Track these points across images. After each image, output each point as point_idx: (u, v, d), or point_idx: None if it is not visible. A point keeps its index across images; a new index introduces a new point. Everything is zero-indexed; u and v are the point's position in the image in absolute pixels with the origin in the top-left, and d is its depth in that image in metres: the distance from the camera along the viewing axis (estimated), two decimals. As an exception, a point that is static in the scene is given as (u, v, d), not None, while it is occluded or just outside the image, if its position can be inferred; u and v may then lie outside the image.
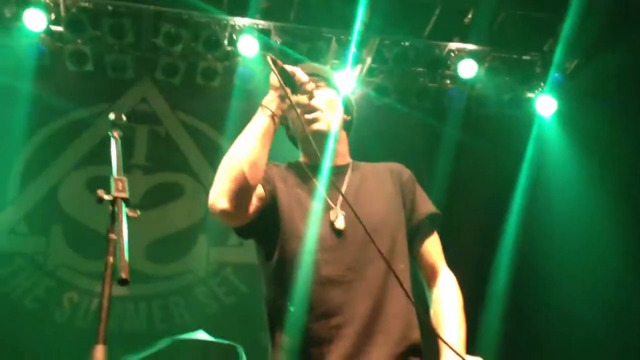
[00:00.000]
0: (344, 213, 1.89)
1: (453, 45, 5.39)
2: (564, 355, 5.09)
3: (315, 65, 2.24)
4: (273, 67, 1.85)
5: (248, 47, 5.10)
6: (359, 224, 1.80)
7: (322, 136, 1.97)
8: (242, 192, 1.77)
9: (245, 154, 1.80)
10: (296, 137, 2.08)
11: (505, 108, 5.60)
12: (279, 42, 5.19)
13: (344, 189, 1.96)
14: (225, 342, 4.30)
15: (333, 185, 1.93)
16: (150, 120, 5.56)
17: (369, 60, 5.38)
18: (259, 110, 1.87)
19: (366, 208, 1.90)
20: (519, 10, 5.28)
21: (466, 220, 5.28)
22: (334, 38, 5.19)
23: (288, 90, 1.86)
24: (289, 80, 1.87)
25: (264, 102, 1.88)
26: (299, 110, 1.92)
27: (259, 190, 1.87)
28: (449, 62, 5.41)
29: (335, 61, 5.25)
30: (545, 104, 5.51)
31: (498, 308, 5.29)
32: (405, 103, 5.53)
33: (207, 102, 5.55)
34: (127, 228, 1.43)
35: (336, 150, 2.02)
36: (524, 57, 5.47)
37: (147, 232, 5.28)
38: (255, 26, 5.13)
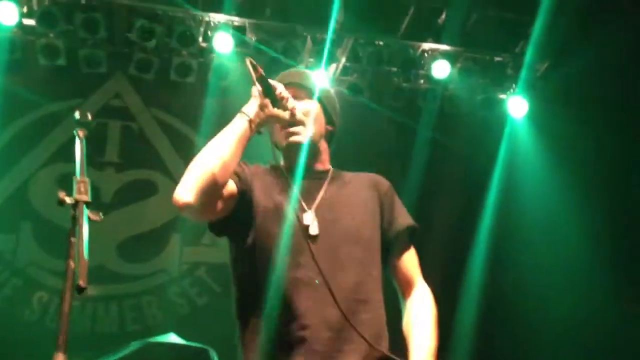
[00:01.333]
0: (318, 217, 1.91)
1: (426, 46, 5.42)
2: (537, 354, 5.15)
3: (299, 72, 2.24)
4: (253, 74, 1.88)
5: (223, 43, 5.07)
6: (332, 229, 1.83)
7: (299, 148, 2.00)
8: (207, 190, 1.78)
9: (216, 154, 1.82)
10: (277, 145, 2.10)
11: (477, 109, 5.66)
12: (254, 39, 5.18)
13: (321, 194, 1.97)
14: (197, 345, 4.27)
15: (311, 189, 1.95)
16: (123, 116, 5.49)
17: (343, 59, 5.39)
18: (238, 115, 1.90)
19: (341, 215, 1.92)
20: (492, 12, 5.33)
21: (439, 219, 5.32)
22: (309, 37, 5.19)
23: (268, 102, 1.88)
24: (269, 91, 1.90)
25: (244, 108, 1.91)
26: (278, 125, 1.94)
27: (230, 188, 1.87)
28: (422, 62, 5.45)
29: (310, 59, 5.25)
30: (516, 105, 5.58)
31: (471, 307, 5.34)
32: (379, 102, 5.56)
33: (181, 99, 5.50)
34: (88, 231, 1.41)
35: (316, 159, 2.05)
36: (496, 58, 5.53)
37: (120, 230, 5.22)
38: (230, 23, 5.11)
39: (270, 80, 1.93)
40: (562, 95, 5.35)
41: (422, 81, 5.62)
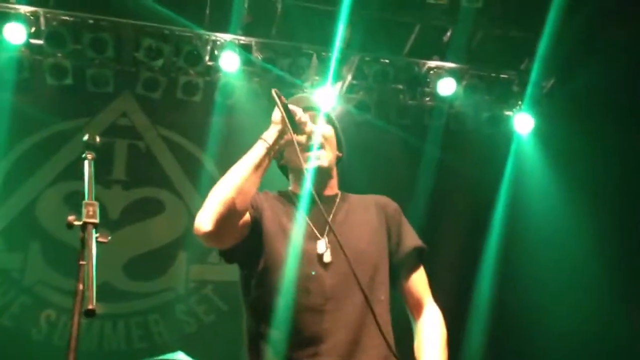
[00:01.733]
0: (330, 245, 1.93)
1: (432, 63, 5.44)
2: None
3: (313, 97, 2.32)
4: (278, 102, 1.92)
5: (229, 62, 5.11)
6: (342, 254, 1.84)
7: (320, 171, 2.03)
8: (228, 218, 1.81)
9: (237, 181, 1.85)
10: (289, 168, 2.13)
11: (483, 126, 5.66)
12: (260, 58, 5.21)
13: (330, 219, 1.99)
14: None
15: (321, 214, 1.96)
16: (130, 135, 5.52)
17: (349, 77, 5.42)
18: (258, 142, 1.94)
19: (350, 238, 1.94)
20: (497, 29, 5.36)
21: (447, 236, 5.31)
22: (314, 54, 5.22)
23: (289, 128, 1.92)
24: (290, 118, 1.94)
25: (264, 135, 1.95)
26: (298, 148, 1.97)
27: (246, 216, 1.90)
28: (428, 80, 5.47)
29: (316, 77, 5.28)
30: (522, 122, 5.58)
31: (480, 326, 5.31)
32: (385, 119, 5.57)
33: (187, 117, 5.53)
34: (96, 253, 1.41)
35: (326, 184, 2.08)
36: (502, 76, 5.55)
37: (126, 248, 5.22)
38: (237, 42, 5.15)
39: (290, 106, 1.97)
40: (567, 111, 5.36)
41: (427, 99, 5.64)
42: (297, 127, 1.96)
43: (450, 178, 5.59)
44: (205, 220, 1.80)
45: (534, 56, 5.23)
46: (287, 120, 1.91)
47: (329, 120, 2.14)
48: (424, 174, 5.45)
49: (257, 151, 1.92)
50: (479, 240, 5.50)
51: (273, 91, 1.94)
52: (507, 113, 5.67)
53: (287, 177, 2.18)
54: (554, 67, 5.31)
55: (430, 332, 1.98)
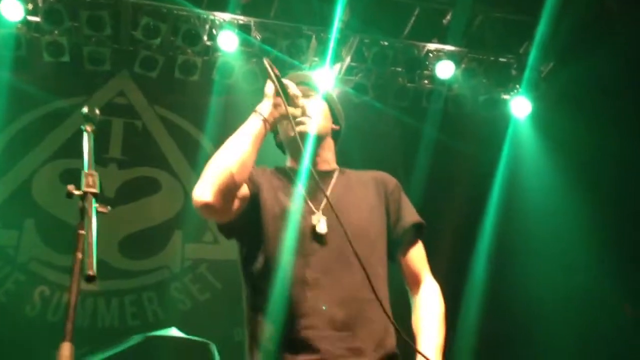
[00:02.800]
0: (325, 217, 1.93)
1: (431, 46, 5.43)
2: (538, 346, 5.16)
3: (308, 74, 2.33)
4: (271, 74, 1.92)
5: (227, 42, 5.08)
6: (339, 229, 1.85)
7: (306, 138, 2.02)
8: (227, 189, 1.81)
9: (234, 153, 1.85)
10: (284, 143, 2.14)
11: (481, 109, 5.67)
12: (258, 38, 5.18)
13: (327, 193, 1.99)
14: (198, 339, 4.28)
15: (318, 189, 1.97)
16: (127, 113, 5.50)
17: (348, 58, 5.40)
18: (252, 115, 1.94)
19: (348, 214, 1.94)
20: (496, 13, 5.34)
21: (443, 217, 5.34)
22: (314, 36, 5.19)
23: (282, 99, 1.92)
24: (283, 89, 1.94)
25: (258, 108, 1.95)
26: (291, 120, 1.97)
27: (244, 191, 1.90)
28: (427, 63, 5.46)
29: (315, 59, 5.25)
30: (520, 106, 5.58)
31: (475, 304, 5.36)
32: (383, 102, 5.56)
33: (185, 97, 5.52)
34: (96, 223, 1.41)
35: (322, 157, 2.09)
36: (500, 59, 5.54)
37: (122, 226, 5.23)
38: (235, 21, 5.11)
39: (283, 79, 1.97)
40: (565, 96, 5.37)
41: (426, 81, 5.64)
42: (290, 99, 1.95)
43: (448, 160, 5.61)
44: (204, 191, 1.80)
45: (533, 40, 5.22)
46: (280, 91, 1.91)
47: (321, 94, 2.14)
48: (422, 156, 5.47)
49: (252, 123, 1.92)
50: (475, 222, 5.54)
51: (265, 60, 1.95)
52: (505, 96, 5.68)
53: (284, 153, 2.19)
54: (553, 52, 5.31)
55: (429, 306, 2.00)
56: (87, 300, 5.03)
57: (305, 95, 2.08)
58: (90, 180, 1.47)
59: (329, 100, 2.16)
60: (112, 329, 5.03)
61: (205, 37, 5.17)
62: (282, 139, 2.14)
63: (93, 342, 4.31)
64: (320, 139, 2.08)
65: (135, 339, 4.22)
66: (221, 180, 1.80)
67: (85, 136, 1.70)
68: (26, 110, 5.27)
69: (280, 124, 2.06)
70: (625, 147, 5.11)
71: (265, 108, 1.94)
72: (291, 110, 1.95)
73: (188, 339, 4.25)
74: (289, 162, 2.13)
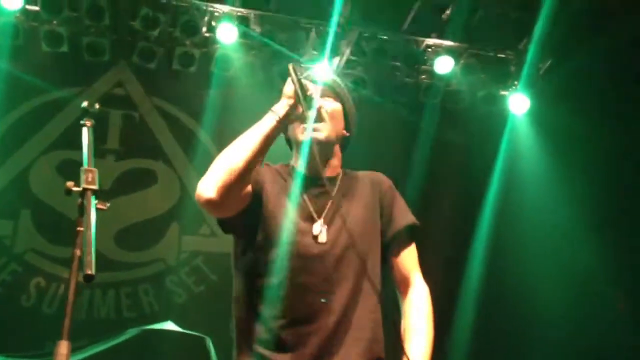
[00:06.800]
0: (326, 226, 1.93)
1: (430, 41, 5.42)
2: (533, 342, 5.19)
3: (330, 73, 2.25)
4: (295, 78, 1.89)
5: (226, 34, 5.06)
6: (338, 237, 1.87)
7: (318, 145, 1.99)
8: (232, 187, 1.80)
9: (245, 152, 1.83)
10: (293, 142, 2.10)
11: (479, 105, 5.67)
12: (257, 31, 5.16)
13: (329, 204, 1.98)
14: (194, 333, 4.29)
15: (321, 195, 1.96)
16: (125, 105, 5.48)
17: (347, 52, 5.39)
18: (269, 114, 1.91)
19: (347, 222, 1.94)
20: (496, 9, 5.33)
21: (440, 212, 5.35)
22: (313, 29, 5.18)
23: (301, 102, 1.89)
24: (304, 93, 1.91)
25: (274, 108, 1.92)
26: (308, 123, 1.95)
27: (247, 189, 1.89)
28: (425, 58, 5.45)
29: (314, 52, 5.24)
30: (518, 102, 5.58)
31: (471, 301, 5.39)
32: (382, 96, 5.55)
33: (183, 89, 5.49)
34: (95, 220, 1.41)
35: (329, 163, 2.05)
36: (499, 55, 5.53)
37: (118, 218, 5.23)
38: (234, 13, 5.09)
39: (303, 80, 1.94)
40: (563, 92, 5.37)
41: (424, 76, 5.63)
42: (309, 102, 1.92)
43: (445, 155, 5.61)
44: (209, 187, 1.79)
45: (532, 37, 5.22)
46: (300, 96, 1.88)
47: (339, 97, 2.09)
48: (419, 151, 5.47)
49: (267, 123, 1.88)
50: (472, 217, 5.55)
51: (290, 66, 1.90)
52: (503, 93, 5.67)
53: (292, 150, 2.15)
54: (551, 49, 5.31)
55: (417, 310, 1.98)
56: (83, 292, 5.03)
57: (321, 96, 2.02)
58: (89, 177, 1.47)
59: (344, 104, 2.11)
60: (108, 321, 5.05)
61: (204, 29, 5.15)
62: (291, 138, 2.10)
63: (89, 334, 4.32)
64: (329, 146, 2.04)
65: (131, 333, 4.23)
66: (228, 177, 1.79)
67: (84, 131, 1.70)
68: (24, 100, 5.24)
69: (291, 123, 2.02)
70: (622, 143, 5.13)
71: (281, 108, 1.91)
72: (307, 112, 1.92)
73: (184, 333, 4.27)
74: (293, 161, 2.09)
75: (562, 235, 5.28)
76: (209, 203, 1.79)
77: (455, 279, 5.35)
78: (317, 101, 1.98)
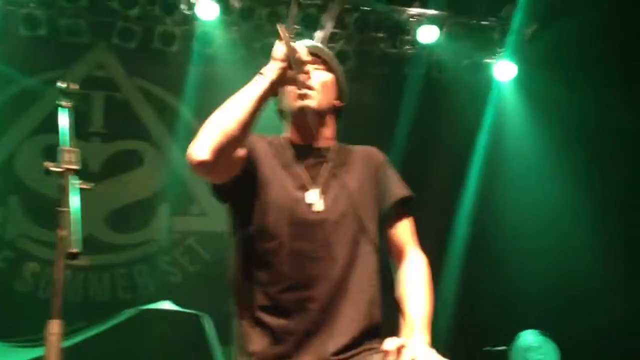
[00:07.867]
0: (322, 194, 1.93)
1: (413, 11, 5.38)
2: (520, 313, 5.26)
3: (319, 45, 2.20)
4: (286, 38, 1.83)
5: (207, 10, 5.01)
6: (334, 204, 1.89)
7: (308, 113, 1.97)
8: (224, 147, 1.75)
9: (237, 113, 1.78)
10: (285, 112, 2.08)
11: (464, 73, 5.65)
12: (237, 6, 5.11)
13: (323, 172, 1.98)
14: (191, 311, 4.32)
15: (316, 165, 1.96)
16: (107, 86, 5.43)
17: (329, 25, 5.34)
18: (257, 76, 1.85)
19: (342, 192, 1.95)
20: (478, -25, 5.30)
21: (426, 183, 5.36)
22: (293, 2, 5.12)
23: (291, 64, 1.83)
24: (292, 53, 1.85)
25: (263, 70, 1.86)
26: (296, 87, 1.92)
27: (241, 153, 1.85)
28: (408, 28, 5.41)
29: (296, 27, 5.19)
30: (503, 70, 5.57)
31: (456, 271, 5.45)
32: (365, 68, 5.52)
33: (165, 68, 5.44)
34: (80, 199, 1.41)
35: (322, 133, 2.04)
36: (483, 23, 5.50)
37: (108, 201, 5.22)
38: (214, -11, 5.03)
39: (292, 43, 1.87)
40: (549, 58, 5.35)
41: (408, 47, 5.60)
42: (299, 65, 1.86)
43: (430, 125, 5.61)
44: (200, 148, 1.74)
45: (516, 2, 5.19)
46: (291, 59, 1.82)
47: (330, 67, 2.07)
48: (404, 122, 5.46)
49: (258, 84, 1.83)
50: (458, 187, 5.57)
51: (279, 27, 1.84)
52: (488, 60, 5.66)
53: (284, 122, 2.12)
54: (536, 14, 5.28)
55: (414, 276, 1.97)
56: (78, 275, 5.05)
57: (314, 65, 1.99)
58: (68, 157, 1.46)
59: (336, 74, 2.09)
60: (104, 303, 5.07)
61: (183, 6, 5.09)
62: (283, 107, 2.07)
63: (86, 317, 4.34)
64: (322, 114, 2.02)
65: (128, 313, 4.26)
66: (219, 138, 1.74)
67: (61, 112, 1.68)
68: (4, 86, 5.18)
69: (283, 91, 2.00)
70: (610, 109, 5.14)
71: (271, 70, 1.85)
72: (297, 75, 1.87)
73: (181, 312, 4.30)
74: (288, 133, 2.07)
75: (550, 202, 5.34)
76: (202, 165, 1.74)
77: (441, 250, 5.39)
78: (308, 65, 1.92)
